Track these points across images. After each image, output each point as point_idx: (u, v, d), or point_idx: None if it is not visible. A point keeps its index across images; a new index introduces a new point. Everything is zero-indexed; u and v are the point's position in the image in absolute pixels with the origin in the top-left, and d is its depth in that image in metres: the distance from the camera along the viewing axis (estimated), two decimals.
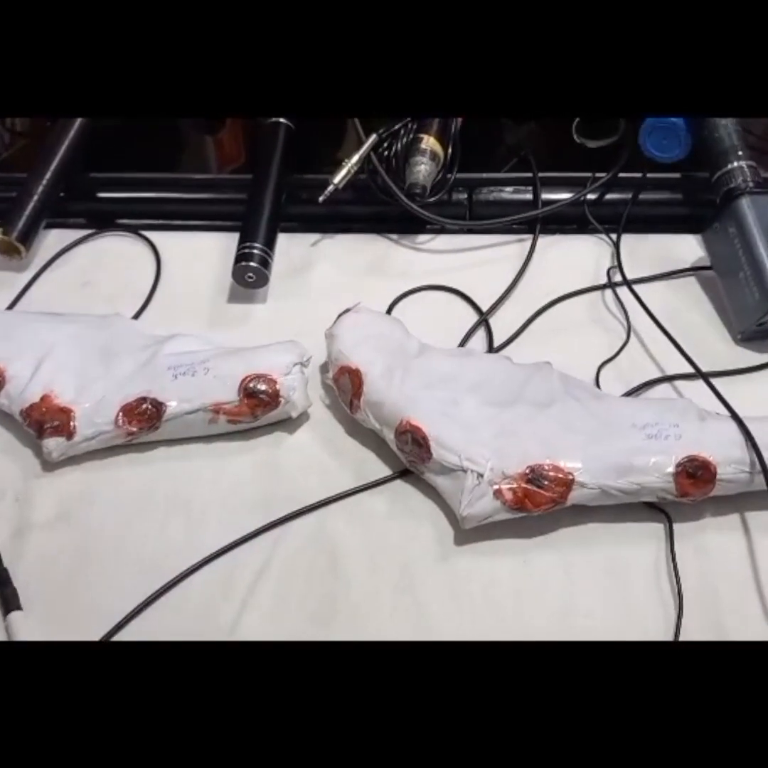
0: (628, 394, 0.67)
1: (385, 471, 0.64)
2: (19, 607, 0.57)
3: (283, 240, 0.80)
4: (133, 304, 0.77)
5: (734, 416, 0.60)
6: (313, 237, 0.82)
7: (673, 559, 0.58)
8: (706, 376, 0.65)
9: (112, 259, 0.82)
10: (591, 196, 0.81)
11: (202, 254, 0.81)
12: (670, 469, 0.57)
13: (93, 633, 0.56)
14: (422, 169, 0.76)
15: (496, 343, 0.73)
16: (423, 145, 0.77)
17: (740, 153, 0.74)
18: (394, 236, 0.82)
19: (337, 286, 0.78)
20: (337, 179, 0.77)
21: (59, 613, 0.58)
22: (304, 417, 0.67)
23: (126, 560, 0.60)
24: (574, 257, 0.80)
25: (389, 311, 0.75)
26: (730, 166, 0.73)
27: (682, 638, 0.55)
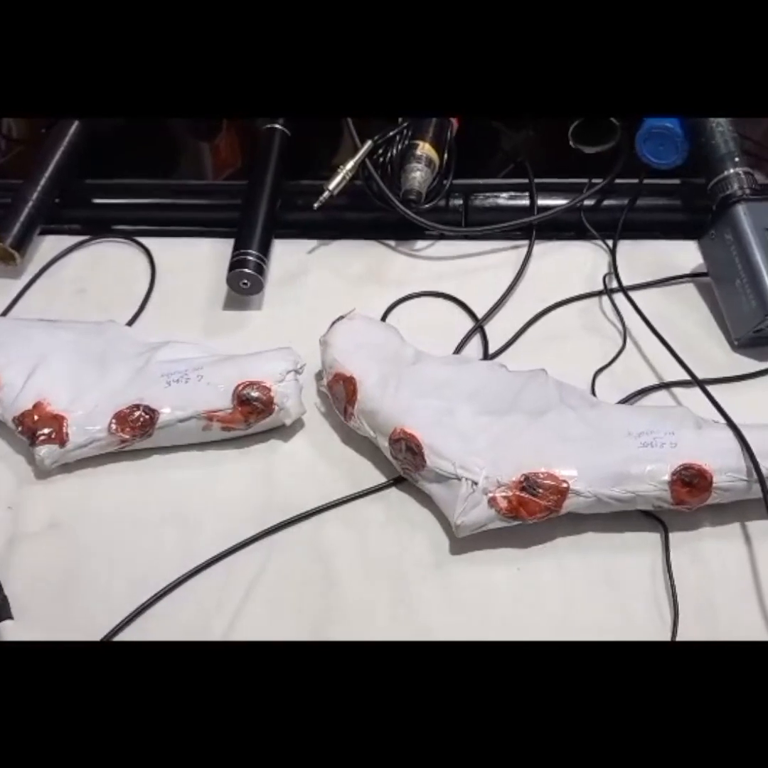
0: (624, 401, 0.67)
1: (380, 479, 0.64)
2: (10, 617, 0.57)
3: (278, 246, 0.80)
4: (127, 310, 0.77)
5: (730, 424, 0.60)
6: (308, 243, 0.82)
7: (669, 568, 0.58)
8: (702, 384, 0.65)
9: (107, 266, 0.82)
10: (587, 203, 0.81)
11: (197, 260, 0.81)
12: (666, 478, 0.57)
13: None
14: (418, 176, 0.76)
15: (492, 350, 0.72)
16: (418, 152, 0.77)
17: (736, 159, 0.73)
18: (390, 243, 0.82)
19: (332, 293, 0.77)
20: (332, 185, 0.77)
21: (51, 621, 0.57)
22: (298, 425, 0.67)
23: (119, 568, 0.60)
24: (571, 264, 0.79)
25: (384, 318, 0.75)
26: (726, 173, 0.73)
27: None
